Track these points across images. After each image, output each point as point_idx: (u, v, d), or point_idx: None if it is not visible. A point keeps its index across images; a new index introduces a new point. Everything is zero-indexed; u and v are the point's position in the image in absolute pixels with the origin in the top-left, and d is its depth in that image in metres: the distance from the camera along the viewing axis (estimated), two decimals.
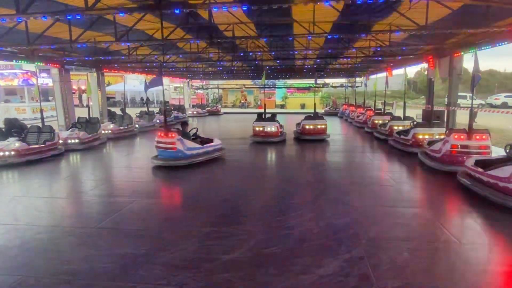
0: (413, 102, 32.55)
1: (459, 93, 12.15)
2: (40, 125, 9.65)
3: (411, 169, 7.87)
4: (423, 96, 28.94)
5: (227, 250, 3.74)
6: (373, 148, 10.81)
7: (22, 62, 11.56)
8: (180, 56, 14.14)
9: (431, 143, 8.05)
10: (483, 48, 9.16)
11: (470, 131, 7.02)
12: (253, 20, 9.47)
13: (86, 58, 12.91)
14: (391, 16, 8.44)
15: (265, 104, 13.32)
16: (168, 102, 24.91)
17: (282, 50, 13.36)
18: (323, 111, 25.79)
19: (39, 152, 8.77)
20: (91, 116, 12.01)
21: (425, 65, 13.83)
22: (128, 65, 16.47)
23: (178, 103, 24.12)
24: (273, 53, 14.09)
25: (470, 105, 7.15)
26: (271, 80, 30.94)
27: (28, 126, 10.08)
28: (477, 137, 6.97)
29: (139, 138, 13.54)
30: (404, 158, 8.83)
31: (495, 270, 3.42)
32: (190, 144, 8.26)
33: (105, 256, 3.67)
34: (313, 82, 25.76)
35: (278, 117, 12.71)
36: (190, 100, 29.35)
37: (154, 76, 17.86)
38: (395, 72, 18.35)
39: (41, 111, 10.39)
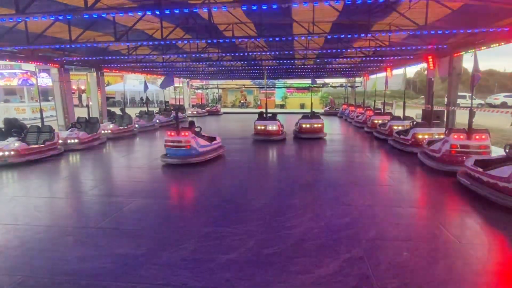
0: (412, 102, 32.59)
1: (459, 93, 12.16)
2: (39, 125, 9.65)
3: (410, 169, 7.87)
4: (423, 96, 28.95)
5: (227, 250, 3.74)
6: (373, 148, 10.81)
7: (22, 62, 11.55)
8: (179, 56, 14.13)
9: (430, 143, 8.06)
10: (482, 48, 9.17)
11: (469, 131, 7.02)
12: (253, 20, 9.47)
13: (86, 58, 12.92)
14: (390, 16, 8.45)
15: (266, 104, 13.69)
16: (167, 102, 24.92)
17: (281, 50, 13.36)
18: (322, 111, 25.81)
19: (39, 152, 8.77)
20: (90, 116, 12.00)
21: (424, 65, 13.82)
22: (128, 65, 16.47)
23: (178, 103, 24.11)
24: (273, 53, 14.10)
25: (469, 105, 7.15)
26: (270, 80, 30.95)
27: (28, 126, 10.07)
28: (477, 137, 6.98)
29: (139, 138, 13.53)
30: (403, 158, 8.83)
31: (494, 269, 3.43)
32: (202, 141, 8.60)
33: (105, 256, 3.67)
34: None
35: (278, 117, 12.84)
36: (189, 100, 29.34)
37: (153, 76, 17.89)
38: (395, 72, 18.38)
39: (41, 111, 10.39)
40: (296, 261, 3.50)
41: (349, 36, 9.32)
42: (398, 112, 15.50)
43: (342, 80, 29.64)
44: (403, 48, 11.50)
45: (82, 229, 4.44)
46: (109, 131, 12.77)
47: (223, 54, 14.08)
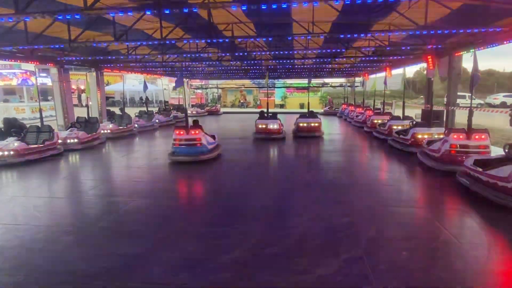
0: (412, 101, 32.59)
1: (458, 93, 12.17)
2: (39, 125, 9.63)
3: (410, 169, 7.88)
4: (422, 96, 28.96)
5: (227, 250, 3.74)
6: (372, 148, 10.82)
7: (21, 61, 11.53)
8: (179, 55, 14.12)
9: (430, 142, 8.06)
10: (482, 48, 9.17)
11: (469, 131, 7.03)
12: (253, 20, 9.46)
13: (85, 58, 12.90)
14: (390, 16, 8.45)
15: (267, 103, 14.05)
16: (167, 101, 24.90)
17: (281, 50, 13.36)
18: (322, 110, 25.82)
19: (38, 152, 8.76)
20: (90, 115, 12.00)
21: (424, 64, 13.81)
22: (127, 64, 16.45)
23: (178, 103, 24.07)
24: (272, 52, 14.09)
25: (469, 105, 7.16)
26: (270, 80, 30.93)
27: (27, 126, 10.07)
28: (476, 136, 6.98)
29: (138, 138, 13.53)
30: (403, 158, 8.84)
31: (494, 269, 3.43)
32: (209, 139, 8.96)
33: (105, 256, 3.67)
34: (313, 81, 25.69)
35: (278, 117, 12.98)
36: (189, 99, 29.32)
37: (153, 76, 17.87)
38: (394, 72, 18.37)
39: (40, 110, 10.37)
40: (296, 261, 3.50)
41: (349, 36, 9.32)
42: (398, 112, 15.50)
43: (342, 80, 29.64)
44: (403, 48, 11.50)
45: (81, 229, 4.44)
46: (109, 131, 12.77)
47: (223, 54, 14.07)
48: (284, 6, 6.16)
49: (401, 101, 13.19)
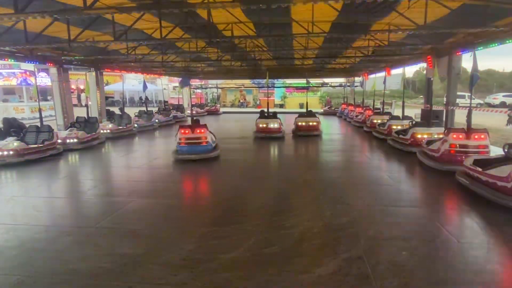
0: (411, 101, 32.62)
1: (458, 93, 12.17)
2: (38, 124, 9.63)
3: (409, 168, 7.88)
4: (422, 96, 28.97)
5: (226, 250, 3.74)
6: (372, 148, 10.82)
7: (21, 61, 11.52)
8: (179, 55, 14.12)
9: (429, 142, 8.06)
10: (481, 47, 9.17)
11: (468, 131, 7.03)
12: (252, 20, 9.46)
13: (85, 58, 12.88)
14: (390, 16, 8.45)
15: (268, 103, 14.26)
16: (167, 101, 24.87)
17: (281, 50, 13.37)
18: (321, 110, 25.82)
19: (38, 152, 8.75)
20: (89, 115, 11.99)
21: (424, 64, 13.83)
22: (127, 64, 16.43)
23: (177, 103, 24.03)
24: (272, 52, 14.09)
25: (468, 105, 7.16)
26: (270, 80, 30.89)
27: (27, 125, 10.06)
28: (476, 136, 6.99)
29: (138, 138, 13.52)
30: (402, 158, 8.84)
31: (493, 269, 3.43)
32: (213, 137, 9.22)
33: (104, 256, 3.66)
34: (312, 81, 25.66)
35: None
36: (189, 99, 29.29)
37: (153, 75, 17.85)
38: (394, 71, 18.36)
39: (40, 110, 10.35)
40: (295, 261, 3.50)
41: (348, 35, 9.32)
42: (397, 112, 15.50)
43: (341, 80, 29.64)
44: (402, 47, 11.50)
45: (81, 229, 4.44)
46: (108, 131, 12.75)
47: (223, 54, 14.07)
48: (284, 6, 6.17)
49: (401, 101, 13.20)
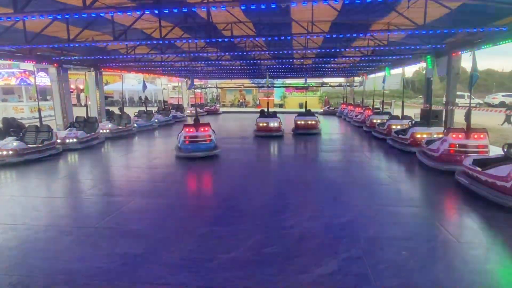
0: (411, 101, 32.64)
1: (457, 93, 12.18)
2: (38, 124, 9.61)
3: (409, 168, 7.89)
4: (421, 96, 29.01)
5: (226, 250, 3.74)
6: (371, 147, 10.83)
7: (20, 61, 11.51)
8: (178, 55, 14.12)
9: (429, 142, 8.06)
10: (481, 47, 9.18)
11: (468, 130, 7.04)
12: (252, 20, 9.46)
13: (84, 57, 12.87)
14: (389, 16, 8.45)
15: (268, 102, 14.67)
16: (166, 101, 24.87)
17: (280, 50, 13.37)
18: (321, 110, 25.82)
19: (37, 152, 8.75)
20: (89, 115, 11.98)
21: (423, 64, 13.85)
22: (127, 64, 16.42)
23: (177, 102, 24.02)
24: (272, 52, 14.09)
25: (468, 104, 7.17)
26: (269, 80, 30.88)
27: (26, 125, 10.04)
28: (475, 136, 6.99)
29: (138, 138, 13.51)
30: (402, 158, 8.85)
31: (493, 269, 3.43)
32: (214, 135, 9.54)
33: (104, 256, 3.66)
34: (312, 81, 25.66)
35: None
36: (188, 99, 29.31)
37: (152, 75, 17.87)
38: (394, 71, 18.39)
39: (39, 110, 10.34)
40: (295, 261, 3.50)
41: (348, 35, 9.32)
42: (397, 112, 15.50)
43: (341, 80, 29.65)
44: (402, 47, 11.51)
45: (80, 229, 4.43)
46: (108, 131, 12.73)
47: (222, 54, 14.06)
48: (283, 5, 6.16)
49: (400, 101, 13.20)
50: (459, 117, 10.84)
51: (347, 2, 6.34)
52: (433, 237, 4.04)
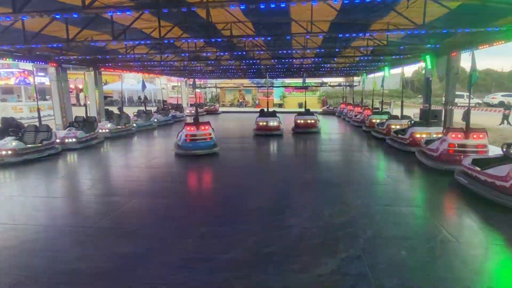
0: (410, 101, 32.64)
1: (457, 92, 12.19)
2: (37, 124, 9.60)
3: (408, 168, 7.89)
4: (421, 95, 29.02)
5: (225, 250, 3.74)
6: (371, 147, 10.83)
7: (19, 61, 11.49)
8: (177, 55, 14.11)
9: (428, 142, 8.07)
10: (480, 47, 9.19)
11: (467, 130, 7.05)
12: (251, 19, 9.45)
13: (84, 57, 12.86)
14: (389, 15, 8.45)
15: (267, 102, 14.84)
16: (165, 101, 24.85)
17: (280, 49, 13.37)
18: (321, 110, 25.83)
19: (36, 152, 8.74)
20: (88, 115, 11.95)
21: (422, 64, 13.87)
22: (126, 64, 16.40)
23: (176, 102, 24.00)
24: (271, 52, 14.09)
25: (467, 104, 7.18)
26: (269, 79, 30.87)
27: (25, 125, 10.03)
28: (475, 136, 7.00)
29: (137, 137, 13.50)
30: (401, 157, 8.85)
31: (492, 268, 3.44)
32: (214, 133, 9.75)
33: (103, 256, 3.66)
34: (311, 81, 25.66)
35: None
36: (188, 99, 29.29)
37: (151, 75, 17.90)
38: (393, 71, 18.40)
39: (38, 110, 10.33)
40: (294, 260, 3.50)
41: (347, 35, 9.32)
42: (396, 112, 15.52)
43: (340, 79, 29.65)
44: (401, 47, 11.52)
45: (80, 229, 4.43)
46: (107, 130, 12.72)
47: (221, 53, 14.06)
48: (283, 5, 6.16)
49: (400, 101, 13.21)
50: (458, 117, 10.87)
51: (346, 1, 6.34)
52: (433, 237, 4.04)
